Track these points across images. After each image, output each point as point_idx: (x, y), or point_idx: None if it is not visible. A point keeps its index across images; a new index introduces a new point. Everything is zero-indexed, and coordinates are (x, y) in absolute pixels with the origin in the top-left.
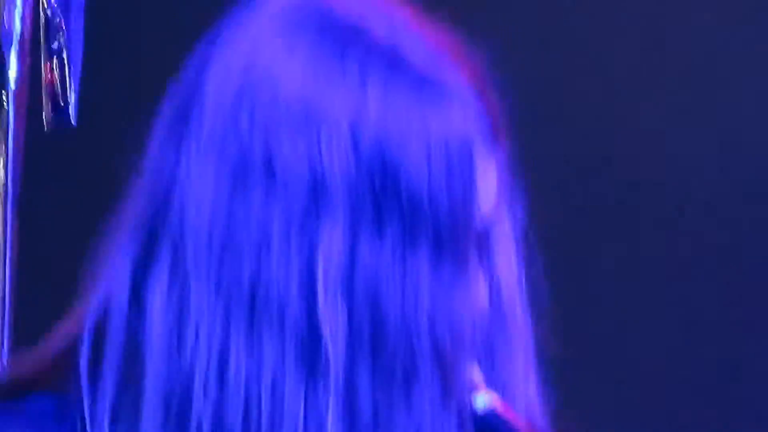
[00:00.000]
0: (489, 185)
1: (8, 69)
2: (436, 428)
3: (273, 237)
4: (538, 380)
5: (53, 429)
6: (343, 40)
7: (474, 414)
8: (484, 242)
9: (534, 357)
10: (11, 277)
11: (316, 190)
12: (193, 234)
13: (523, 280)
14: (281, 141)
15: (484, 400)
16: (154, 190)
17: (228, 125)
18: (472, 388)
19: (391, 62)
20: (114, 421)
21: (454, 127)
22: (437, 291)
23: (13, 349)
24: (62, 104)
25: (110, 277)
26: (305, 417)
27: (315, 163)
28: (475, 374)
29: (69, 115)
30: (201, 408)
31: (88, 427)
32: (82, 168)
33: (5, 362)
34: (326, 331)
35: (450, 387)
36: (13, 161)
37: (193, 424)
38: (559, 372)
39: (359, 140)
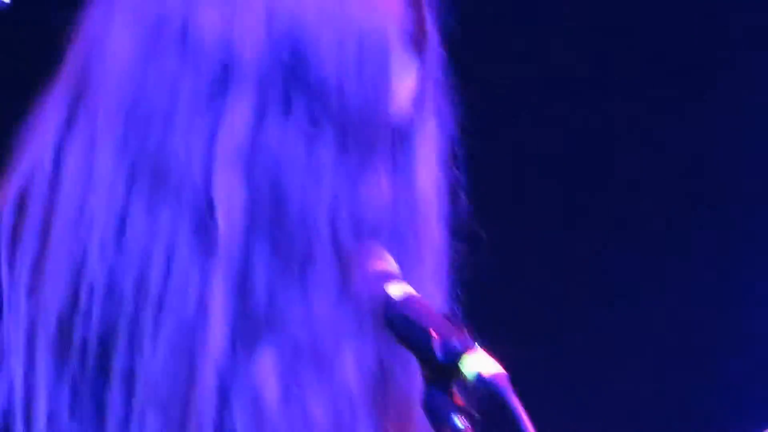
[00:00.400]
0: (406, 84)
1: None
2: (331, 314)
3: (180, 107)
4: (449, 287)
5: None
6: None
7: (386, 301)
8: (402, 140)
9: (446, 263)
10: None
11: (227, 65)
12: (104, 96)
13: (444, 186)
14: (197, 10)
15: (396, 289)
16: (77, 54)
17: None
18: (383, 278)
19: None
20: (31, 290)
21: (372, 20)
22: (341, 180)
23: None
24: None
25: (36, 144)
26: (197, 288)
27: (228, 37)
28: (388, 265)
29: None
30: (96, 271)
31: (4, 294)
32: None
33: None
34: (221, 206)
35: (348, 276)
36: None
37: (85, 287)
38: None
39: (273, 19)
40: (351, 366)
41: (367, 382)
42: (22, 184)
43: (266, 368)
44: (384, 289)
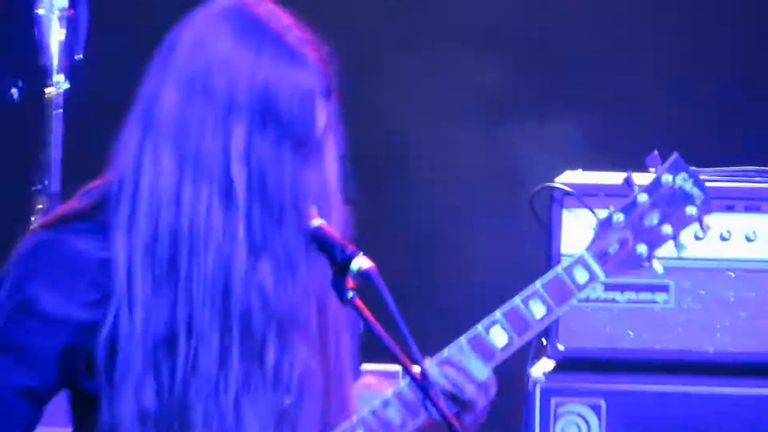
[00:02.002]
0: (321, 116)
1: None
2: (295, 239)
3: (207, 126)
4: (344, 224)
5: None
6: (257, 31)
7: (313, 227)
8: (321, 144)
9: (343, 212)
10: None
11: (230, 104)
12: (161, 121)
13: (339, 171)
14: (214, 74)
15: (318, 221)
16: (144, 98)
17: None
18: (310, 218)
19: (280, 44)
20: (128, 230)
21: (307, 84)
22: (295, 169)
23: None
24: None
25: (125, 151)
26: (227, 228)
27: (231, 89)
28: (313, 213)
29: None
30: (165, 219)
31: (112, 234)
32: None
33: None
34: (237, 182)
35: (301, 218)
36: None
37: (160, 229)
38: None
39: (255, 81)
40: (305, 265)
41: (310, 271)
42: (120, 173)
43: (266, 271)
44: (312, 222)
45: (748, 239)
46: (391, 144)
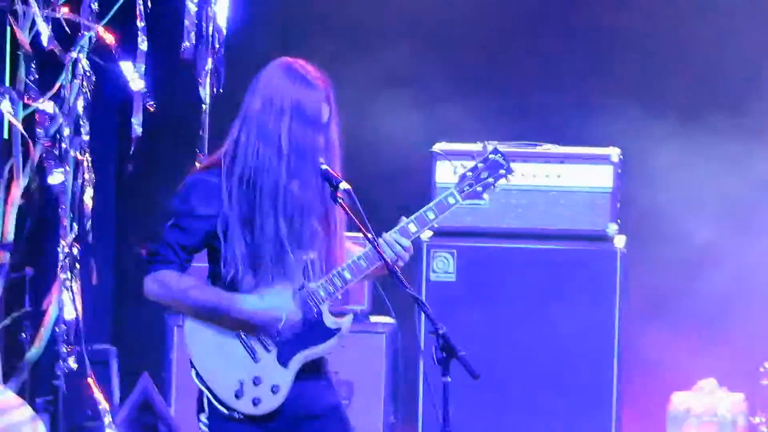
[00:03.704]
0: (326, 111)
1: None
2: (312, 173)
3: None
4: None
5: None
6: (292, 72)
7: (321, 169)
8: (327, 126)
9: (337, 165)
10: None
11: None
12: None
13: (340, 147)
14: (279, 98)
15: (324, 166)
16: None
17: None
18: (321, 163)
19: (303, 78)
20: (228, 174)
21: (317, 96)
22: (312, 138)
23: None
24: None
25: (229, 139)
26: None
27: (289, 105)
28: (322, 161)
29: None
30: (246, 171)
31: (222, 175)
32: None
33: None
34: (272, 188)
35: (315, 162)
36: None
37: (245, 176)
38: None
39: (291, 97)
40: (316, 184)
41: (318, 187)
42: (228, 144)
43: (296, 186)
44: (322, 165)
45: (522, 175)
46: None
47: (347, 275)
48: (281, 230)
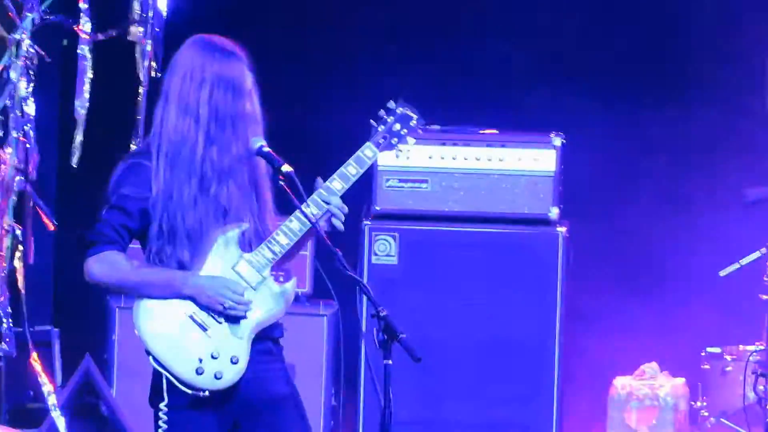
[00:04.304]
0: (248, 82)
1: None
2: (234, 143)
3: None
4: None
5: None
6: (210, 45)
7: (257, 149)
8: (249, 92)
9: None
10: None
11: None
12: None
13: (259, 108)
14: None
15: (259, 143)
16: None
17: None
18: (257, 143)
19: (223, 49)
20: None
21: (240, 65)
22: (234, 103)
23: None
24: None
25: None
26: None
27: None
28: (263, 142)
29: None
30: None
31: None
32: None
33: None
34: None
35: (238, 133)
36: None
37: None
38: None
39: (212, 68)
40: (237, 151)
41: (240, 155)
42: (153, 128)
43: (213, 152)
44: (262, 147)
45: (465, 159)
46: None
47: (282, 240)
48: (197, 197)
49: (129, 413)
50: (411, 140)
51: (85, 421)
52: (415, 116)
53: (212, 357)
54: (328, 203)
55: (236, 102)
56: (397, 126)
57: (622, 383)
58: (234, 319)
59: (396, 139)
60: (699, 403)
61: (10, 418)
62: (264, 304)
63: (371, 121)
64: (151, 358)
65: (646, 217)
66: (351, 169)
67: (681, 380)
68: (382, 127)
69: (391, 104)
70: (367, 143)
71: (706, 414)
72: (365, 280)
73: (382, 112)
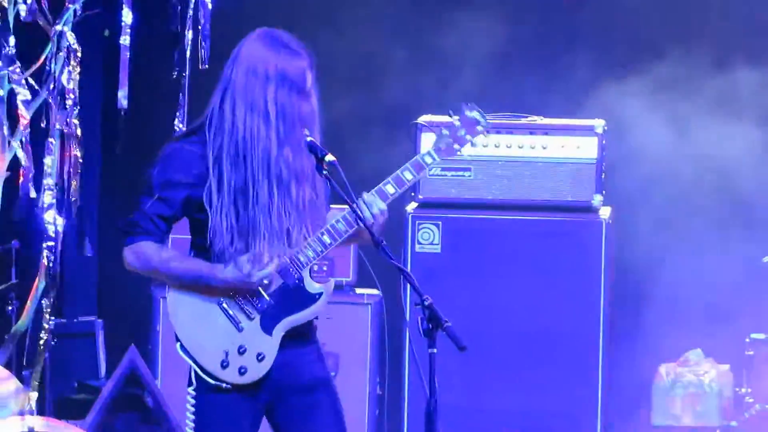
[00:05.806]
0: (310, 78)
1: None
2: (299, 140)
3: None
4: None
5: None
6: (275, 41)
7: (307, 142)
8: (310, 94)
9: (319, 134)
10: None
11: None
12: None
13: (319, 110)
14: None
15: (309, 138)
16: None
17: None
18: (306, 134)
19: (288, 46)
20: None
21: (301, 64)
22: (298, 104)
23: None
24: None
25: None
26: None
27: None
28: (307, 132)
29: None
30: (230, 147)
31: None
32: None
33: None
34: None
35: (301, 131)
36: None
37: (231, 148)
38: None
39: (276, 65)
40: (304, 151)
41: (305, 156)
42: (210, 112)
43: (287, 153)
44: (307, 138)
45: (508, 147)
46: None
47: (326, 239)
48: (275, 199)
49: (174, 404)
50: (475, 142)
51: (130, 412)
52: (483, 120)
53: (239, 351)
54: (378, 209)
55: (299, 102)
56: (462, 132)
57: (666, 370)
58: (266, 316)
59: (459, 145)
60: (743, 390)
61: (55, 409)
62: (299, 304)
63: (449, 113)
64: (178, 345)
65: (690, 202)
66: (407, 174)
67: (726, 367)
68: (446, 131)
69: (461, 107)
70: (428, 149)
71: (750, 400)
72: (409, 269)
73: (450, 114)
